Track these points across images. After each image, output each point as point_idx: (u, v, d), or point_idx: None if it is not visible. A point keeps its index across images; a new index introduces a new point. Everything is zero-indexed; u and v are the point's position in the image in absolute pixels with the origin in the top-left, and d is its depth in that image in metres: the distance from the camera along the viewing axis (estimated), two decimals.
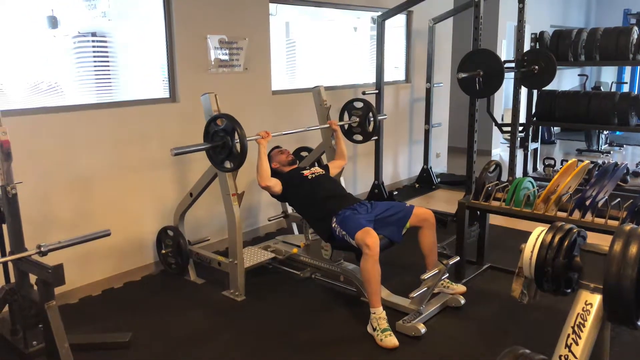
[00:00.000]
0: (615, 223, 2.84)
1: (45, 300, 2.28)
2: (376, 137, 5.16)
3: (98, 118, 3.45)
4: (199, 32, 3.88)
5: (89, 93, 3.55)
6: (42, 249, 2.24)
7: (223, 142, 3.03)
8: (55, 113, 3.28)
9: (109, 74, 3.66)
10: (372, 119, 3.97)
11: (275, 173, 3.48)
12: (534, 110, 6.12)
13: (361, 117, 3.99)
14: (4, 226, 2.58)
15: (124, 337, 2.86)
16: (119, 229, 3.54)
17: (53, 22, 3.36)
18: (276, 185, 3.37)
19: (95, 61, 3.59)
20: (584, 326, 1.66)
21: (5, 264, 2.72)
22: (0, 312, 2.72)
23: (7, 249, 2.58)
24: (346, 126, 4.03)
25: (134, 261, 3.73)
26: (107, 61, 3.64)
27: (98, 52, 3.62)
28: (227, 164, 3.08)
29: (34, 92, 3.35)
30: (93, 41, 3.61)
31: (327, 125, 3.88)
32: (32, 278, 2.44)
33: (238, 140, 2.96)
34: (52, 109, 3.29)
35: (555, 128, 9.03)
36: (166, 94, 3.86)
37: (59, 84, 3.46)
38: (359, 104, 4.00)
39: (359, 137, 4.10)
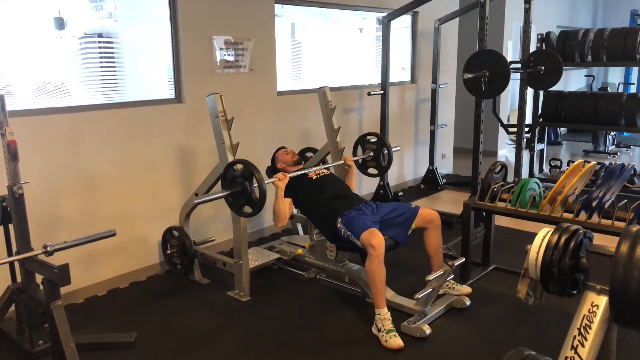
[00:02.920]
0: (622, 224, 2.82)
1: (51, 300, 2.29)
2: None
3: (104, 118, 3.47)
4: (204, 33, 3.89)
5: (95, 94, 3.57)
6: (48, 248, 2.26)
7: (242, 188, 3.01)
8: (62, 114, 3.29)
9: (115, 75, 3.67)
10: (385, 152, 3.96)
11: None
12: (540, 111, 6.09)
13: (375, 150, 3.98)
14: (11, 226, 2.60)
15: (129, 337, 2.87)
16: (124, 229, 3.55)
17: (60, 24, 3.38)
18: (290, 210, 3.35)
19: (101, 62, 3.61)
20: (590, 328, 1.65)
21: (11, 264, 2.73)
22: (6, 311, 2.73)
23: (14, 248, 2.60)
24: (360, 160, 4.03)
25: (139, 261, 3.74)
26: (113, 62, 3.66)
27: (104, 53, 3.64)
28: (247, 209, 3.07)
29: (41, 93, 3.37)
30: (99, 42, 3.62)
31: (342, 162, 3.84)
32: (39, 278, 2.45)
33: (256, 185, 2.95)
34: (58, 109, 3.30)
35: (561, 129, 8.99)
36: (172, 95, 3.87)
37: (66, 84, 3.48)
38: (373, 138, 4.00)
39: (373, 171, 4.11)
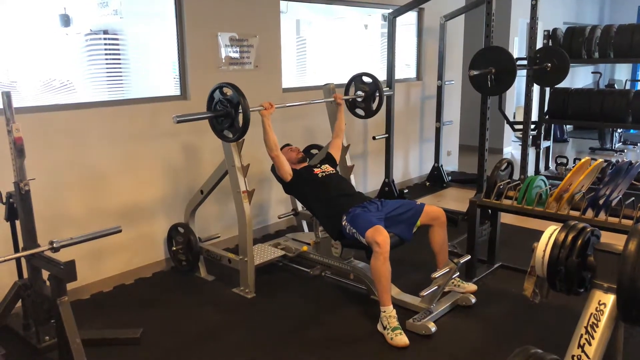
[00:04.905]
0: (629, 222, 2.80)
1: (57, 296, 2.30)
2: (386, 135, 5.16)
3: (110, 115, 3.47)
4: (209, 29, 3.89)
5: (101, 90, 3.57)
6: (54, 245, 2.26)
7: (226, 112, 3.01)
8: (68, 110, 3.30)
9: (121, 72, 3.67)
10: (377, 95, 3.91)
11: None
12: (546, 108, 6.06)
13: (367, 92, 3.93)
14: (17, 222, 2.61)
15: (134, 333, 2.88)
16: (130, 226, 3.57)
17: (65, 21, 3.39)
18: (287, 164, 3.37)
19: (106, 59, 3.61)
20: (597, 326, 1.64)
21: (18, 260, 2.75)
22: (13, 307, 2.75)
23: (20, 245, 2.61)
24: (350, 99, 3.98)
25: (144, 258, 3.75)
26: (119, 59, 3.66)
27: (110, 49, 3.64)
28: (228, 134, 3.07)
29: (47, 90, 3.38)
30: (105, 39, 3.63)
31: (332, 99, 3.84)
32: (45, 274, 2.46)
33: (241, 111, 2.94)
34: (64, 106, 3.31)
35: (567, 126, 8.95)
36: (177, 92, 3.87)
37: (71, 81, 3.48)
38: (368, 79, 3.94)
39: (360, 112, 4.05)
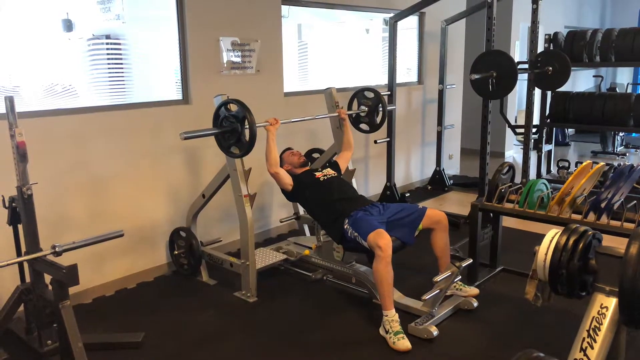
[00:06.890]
0: (631, 226, 2.80)
1: (59, 300, 2.30)
2: (387, 139, 5.17)
3: (112, 120, 3.48)
4: (211, 34, 3.90)
5: (103, 95, 3.59)
6: (56, 249, 2.27)
7: (232, 128, 3.02)
8: (70, 115, 3.31)
9: (123, 76, 3.69)
10: (381, 109, 3.95)
11: None
12: (547, 112, 6.06)
13: (370, 107, 3.97)
14: (20, 226, 2.61)
15: (136, 337, 2.88)
16: (132, 230, 3.57)
17: (68, 26, 3.40)
18: (286, 177, 3.38)
19: (109, 63, 3.63)
20: (599, 330, 1.64)
21: (20, 264, 2.75)
22: (15, 311, 2.75)
23: (23, 249, 2.61)
24: (354, 115, 4.02)
25: (146, 262, 3.76)
26: (121, 63, 3.68)
27: (112, 54, 3.65)
28: (235, 150, 3.09)
29: (49, 94, 3.39)
30: (107, 44, 3.64)
31: (336, 114, 3.87)
32: (47, 278, 2.46)
33: (247, 127, 2.96)
34: (66, 110, 3.32)
35: (569, 130, 8.94)
36: (179, 96, 3.88)
37: (74, 86, 3.50)
38: (370, 94, 3.98)
39: (365, 127, 4.08)
